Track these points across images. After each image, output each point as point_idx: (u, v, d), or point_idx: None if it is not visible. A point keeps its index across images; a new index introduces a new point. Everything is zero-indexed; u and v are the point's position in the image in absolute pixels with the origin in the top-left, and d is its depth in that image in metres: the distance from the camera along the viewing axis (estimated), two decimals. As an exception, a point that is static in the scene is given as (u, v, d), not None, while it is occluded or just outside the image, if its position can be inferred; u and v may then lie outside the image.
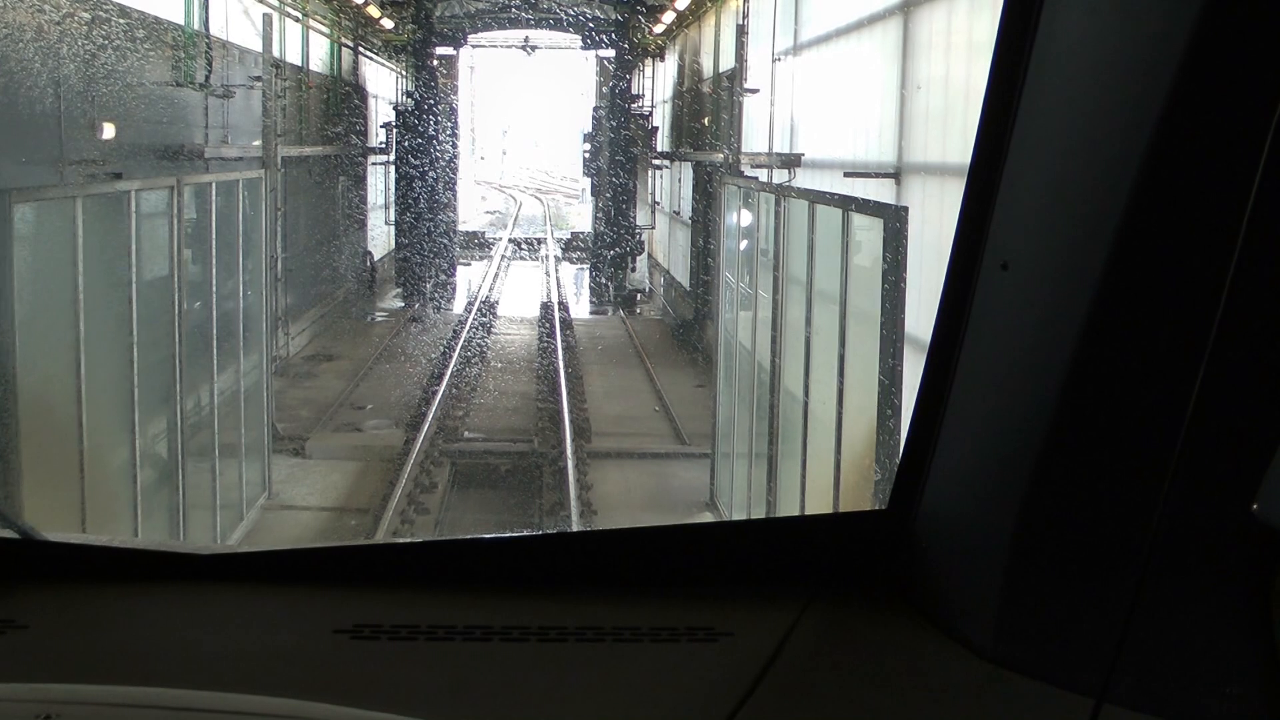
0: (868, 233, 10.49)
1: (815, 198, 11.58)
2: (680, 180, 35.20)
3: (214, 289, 14.45)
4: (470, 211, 62.94)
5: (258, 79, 21.75)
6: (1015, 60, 1.88)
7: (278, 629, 2.13)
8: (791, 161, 19.09)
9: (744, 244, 15.94)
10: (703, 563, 2.29)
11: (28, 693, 1.77)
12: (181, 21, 20.64)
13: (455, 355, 26.96)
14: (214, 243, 14.30)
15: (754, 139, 22.51)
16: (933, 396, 2.07)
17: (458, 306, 36.93)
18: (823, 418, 11.66)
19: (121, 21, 17.97)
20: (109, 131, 16.79)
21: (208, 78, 21.29)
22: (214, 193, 14.25)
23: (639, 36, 38.57)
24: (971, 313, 1.98)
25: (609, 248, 38.09)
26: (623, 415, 23.00)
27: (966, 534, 2.01)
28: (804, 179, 19.15)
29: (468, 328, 30.73)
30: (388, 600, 2.19)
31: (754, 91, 20.86)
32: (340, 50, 35.34)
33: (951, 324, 2.01)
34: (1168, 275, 1.69)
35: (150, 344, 12.84)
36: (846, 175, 15.20)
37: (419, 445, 19.19)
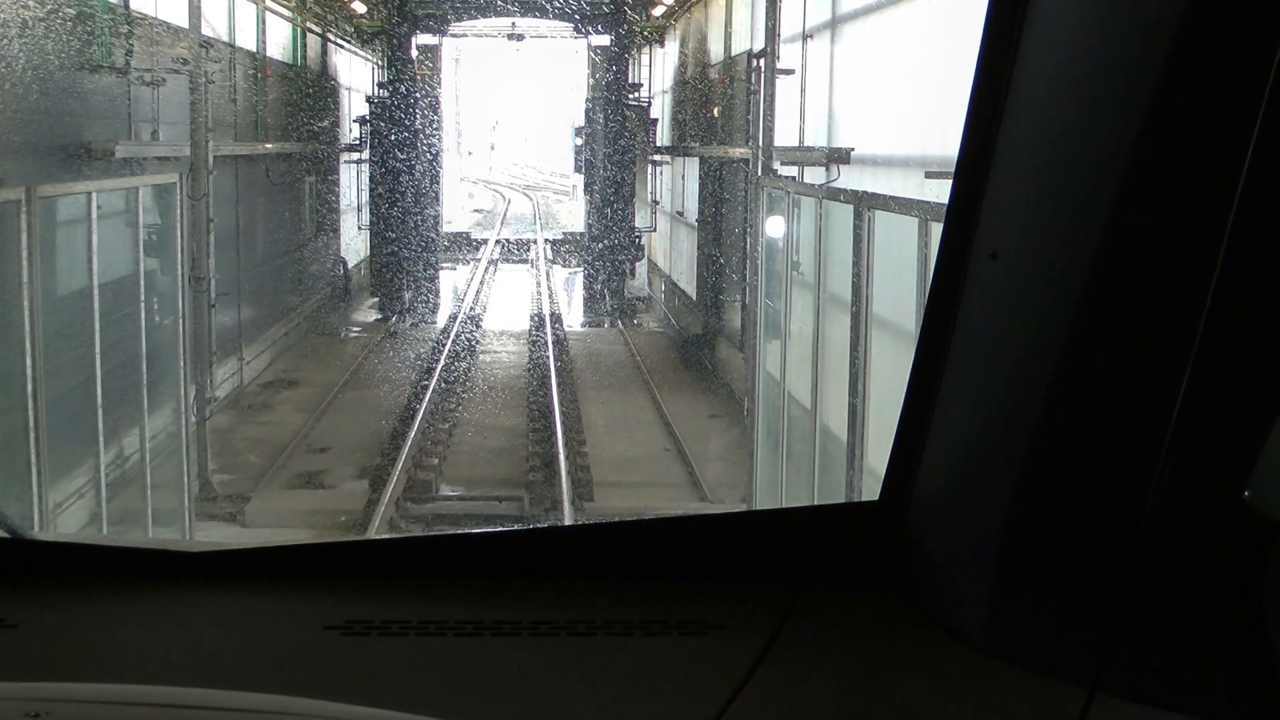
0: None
1: (932, 213, 8.00)
2: (684, 177, 31.98)
3: (97, 328, 10.86)
4: (456, 210, 60.42)
5: (184, 63, 18.10)
6: (1003, 50, 1.85)
7: (269, 626, 2.10)
8: (838, 157, 15.51)
9: (797, 265, 12.34)
10: (694, 555, 2.25)
11: (16, 691, 1.72)
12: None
13: (434, 381, 23.48)
14: (94, 268, 10.70)
15: (779, 130, 19.02)
16: (923, 387, 2.05)
17: (440, 319, 33.49)
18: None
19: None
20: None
21: (129, 61, 17.67)
22: (94, 205, 10.63)
23: (635, 22, 35.16)
24: (961, 303, 1.97)
25: (606, 250, 34.77)
26: (629, 457, 19.72)
27: (958, 524, 1.98)
28: (848, 178, 15.67)
29: (449, 345, 27.30)
30: (379, 596, 2.16)
31: (788, 73, 17.29)
32: (305, 36, 31.91)
33: (941, 314, 2.00)
34: (1157, 264, 1.66)
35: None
36: (929, 176, 11.68)
37: (382, 509, 15.68)
